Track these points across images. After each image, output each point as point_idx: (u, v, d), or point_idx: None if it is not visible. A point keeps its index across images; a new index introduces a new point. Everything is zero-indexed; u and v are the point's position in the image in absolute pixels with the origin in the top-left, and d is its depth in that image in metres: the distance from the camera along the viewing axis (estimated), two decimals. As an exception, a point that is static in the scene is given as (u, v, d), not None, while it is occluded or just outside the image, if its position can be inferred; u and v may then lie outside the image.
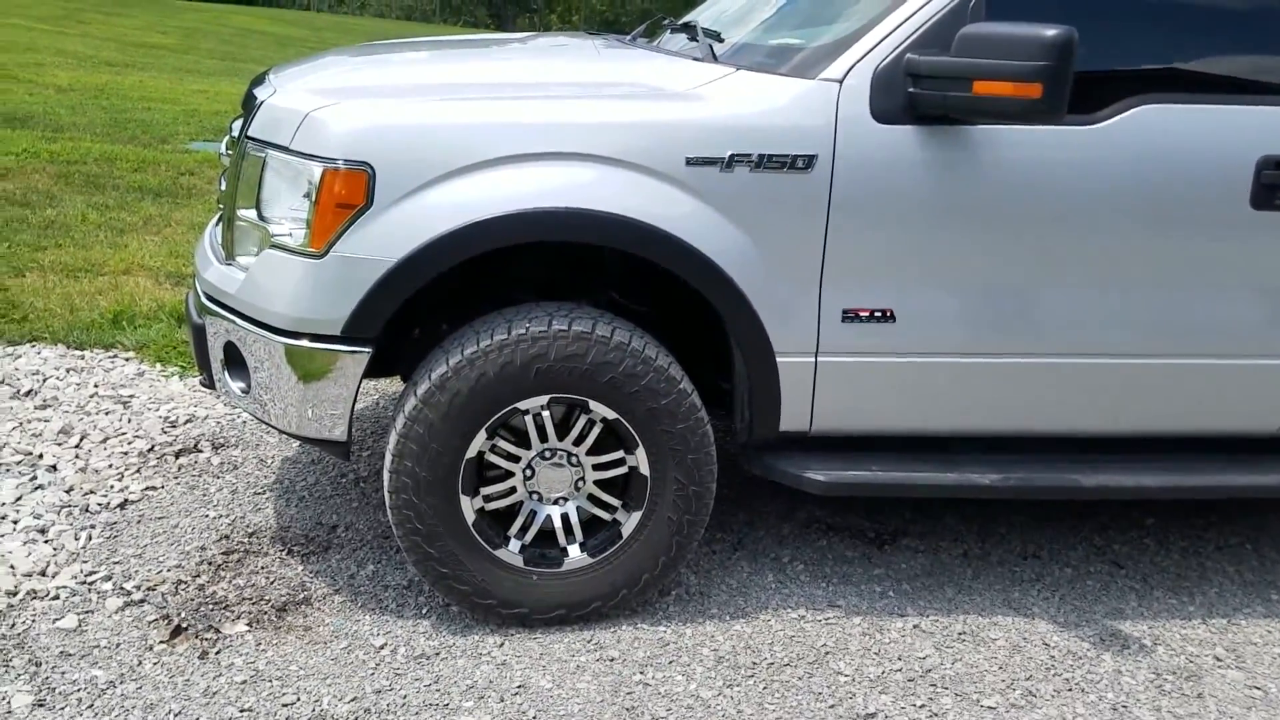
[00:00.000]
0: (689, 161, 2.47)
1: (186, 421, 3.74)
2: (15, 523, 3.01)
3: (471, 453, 2.55)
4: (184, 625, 2.62)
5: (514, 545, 2.67)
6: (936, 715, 2.47)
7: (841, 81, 2.52)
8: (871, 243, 2.57)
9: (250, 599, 2.75)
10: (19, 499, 3.13)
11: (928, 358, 2.67)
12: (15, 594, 2.69)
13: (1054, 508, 3.45)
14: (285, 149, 2.52)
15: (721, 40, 2.93)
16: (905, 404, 2.72)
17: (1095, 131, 2.60)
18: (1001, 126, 2.54)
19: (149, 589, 2.76)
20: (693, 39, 3.07)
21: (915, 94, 2.48)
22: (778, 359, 2.61)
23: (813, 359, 2.63)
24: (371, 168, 2.42)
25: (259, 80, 3.03)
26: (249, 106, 2.84)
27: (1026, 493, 2.79)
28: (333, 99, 2.55)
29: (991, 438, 2.83)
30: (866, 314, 2.61)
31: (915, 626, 2.81)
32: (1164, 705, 2.56)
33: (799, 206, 2.52)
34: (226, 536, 3.03)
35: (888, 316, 2.62)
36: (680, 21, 3.42)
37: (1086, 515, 3.44)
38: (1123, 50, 2.93)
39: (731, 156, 2.48)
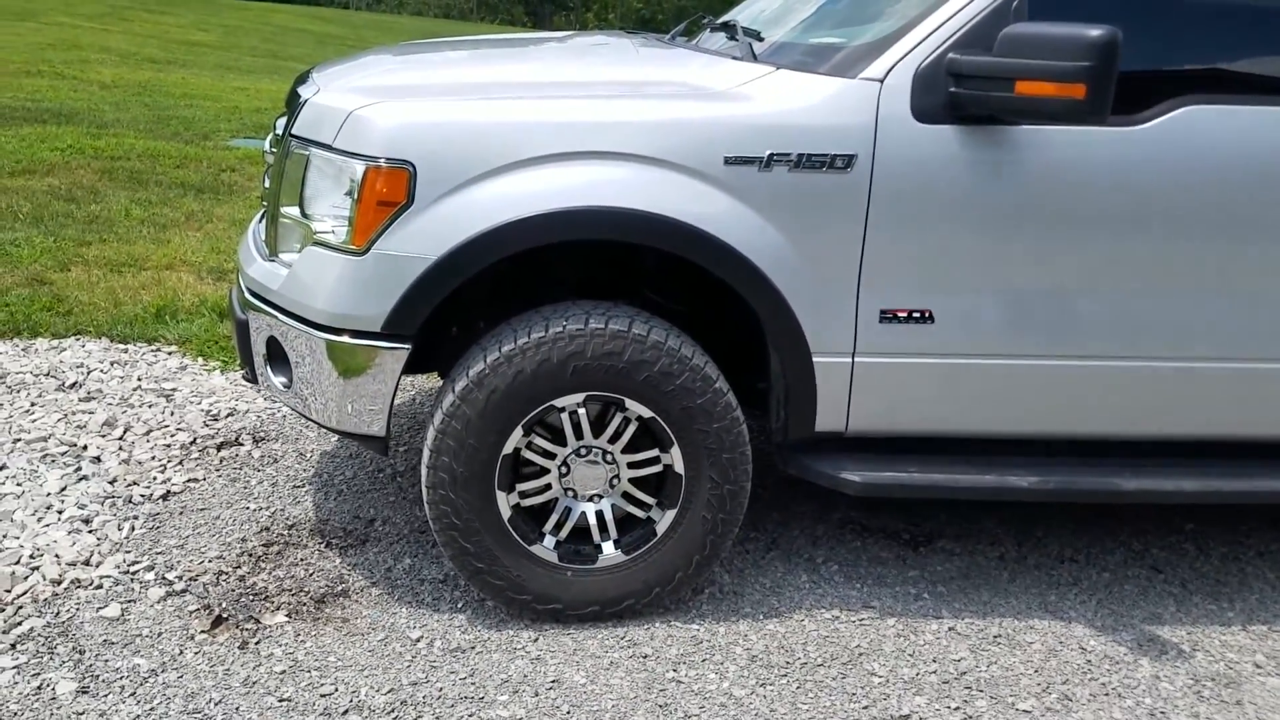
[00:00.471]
0: (727, 161, 2.48)
1: (228, 415, 3.80)
2: (60, 513, 3.06)
3: (508, 449, 2.57)
4: (225, 615, 2.66)
5: (549, 541, 2.69)
6: (971, 718, 2.46)
7: (882, 81, 2.51)
8: (911, 243, 2.56)
9: (290, 590, 2.79)
10: (64, 489, 3.19)
11: (967, 359, 2.66)
12: (60, 583, 2.75)
13: (1092, 511, 3.42)
14: (328, 147, 2.55)
15: (761, 39, 2.93)
16: (943, 405, 2.70)
17: (1139, 133, 2.57)
18: (1044, 127, 2.52)
19: (190, 579, 2.81)
20: (732, 38, 3.08)
21: (957, 94, 2.47)
22: (814, 359, 2.61)
23: (849, 359, 2.62)
24: (413, 166, 2.44)
25: (302, 79, 3.07)
26: (292, 105, 2.88)
27: (1066, 496, 2.77)
28: (375, 98, 2.58)
29: (1029, 440, 2.81)
30: (905, 314, 2.61)
31: (950, 629, 2.80)
32: (1202, 712, 2.53)
33: (838, 206, 2.52)
34: (267, 528, 3.08)
35: (926, 317, 2.61)
36: (719, 20, 3.42)
37: (1125, 519, 3.41)
38: (1167, 50, 2.90)
39: (770, 156, 2.48)
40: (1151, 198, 2.59)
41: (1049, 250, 2.61)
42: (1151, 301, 2.67)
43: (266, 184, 3.01)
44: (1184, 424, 2.81)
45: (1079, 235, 2.60)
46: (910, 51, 2.51)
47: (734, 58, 2.87)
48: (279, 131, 2.95)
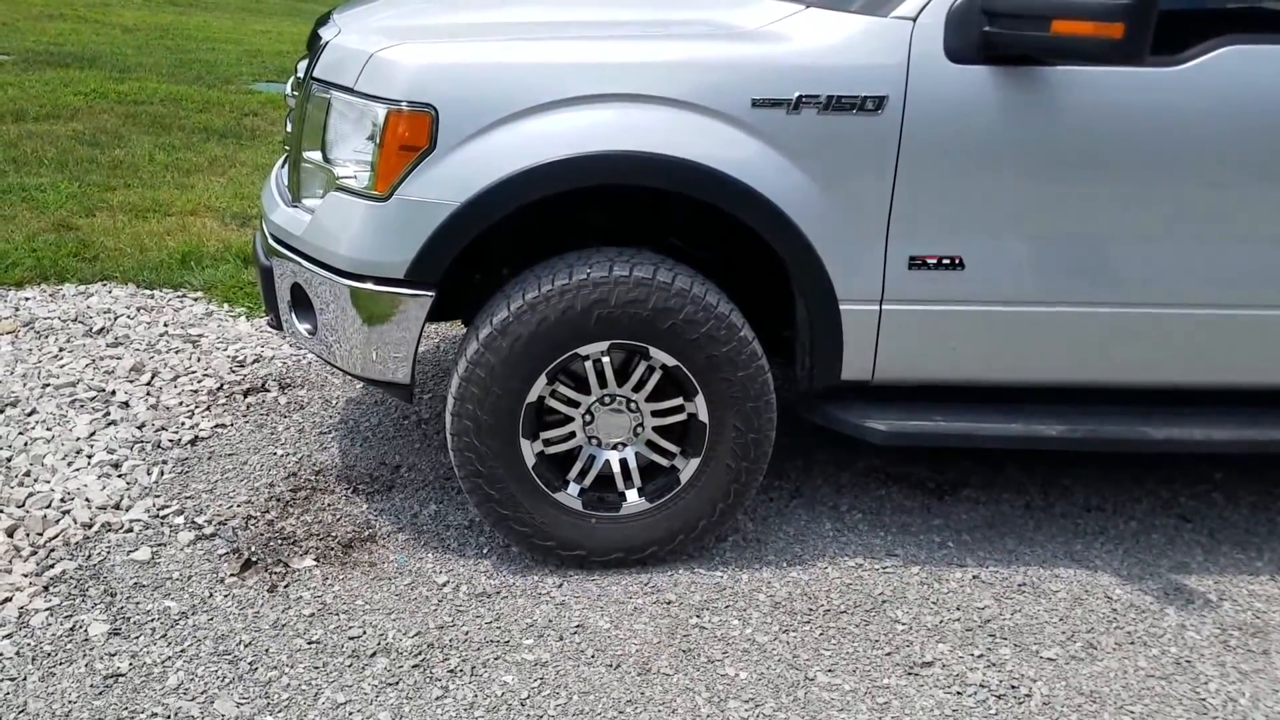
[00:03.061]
0: (755, 103, 2.43)
1: (254, 361, 3.81)
2: (90, 457, 3.10)
3: (532, 397, 2.56)
4: (254, 559, 2.69)
5: (573, 489, 2.69)
6: (995, 665, 2.46)
7: (915, 19, 2.44)
8: (942, 188, 2.51)
9: (317, 535, 2.81)
10: (93, 434, 3.22)
11: (997, 306, 2.62)
12: (91, 526, 2.78)
13: (1120, 460, 3.39)
14: (350, 90, 2.52)
15: (790, -24, 2.85)
16: (972, 353, 2.67)
17: (1178, 74, 2.50)
18: (1080, 68, 2.45)
19: (220, 523, 2.84)
20: (760, -24, 2.99)
21: (991, 33, 2.40)
22: (841, 306, 2.57)
23: (877, 307, 2.59)
24: (435, 110, 2.41)
25: (323, 20, 3.02)
26: (313, 47, 2.84)
27: (1094, 444, 2.74)
28: (397, 39, 2.54)
29: (1057, 388, 2.78)
30: (934, 261, 2.56)
31: (974, 577, 2.79)
32: (1229, 661, 2.53)
33: (867, 149, 2.47)
34: (294, 474, 3.10)
35: (956, 264, 2.57)
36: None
37: (1153, 468, 3.38)
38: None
39: (799, 98, 2.43)
40: (1190, 141, 2.52)
41: (1084, 195, 2.55)
42: (1189, 248, 2.61)
43: (288, 128, 2.98)
44: (1221, 372, 2.77)
45: (1115, 180, 2.54)
46: (944, -11, 2.44)
47: (762, -4, 2.80)
48: (300, 75, 2.91)
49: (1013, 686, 2.39)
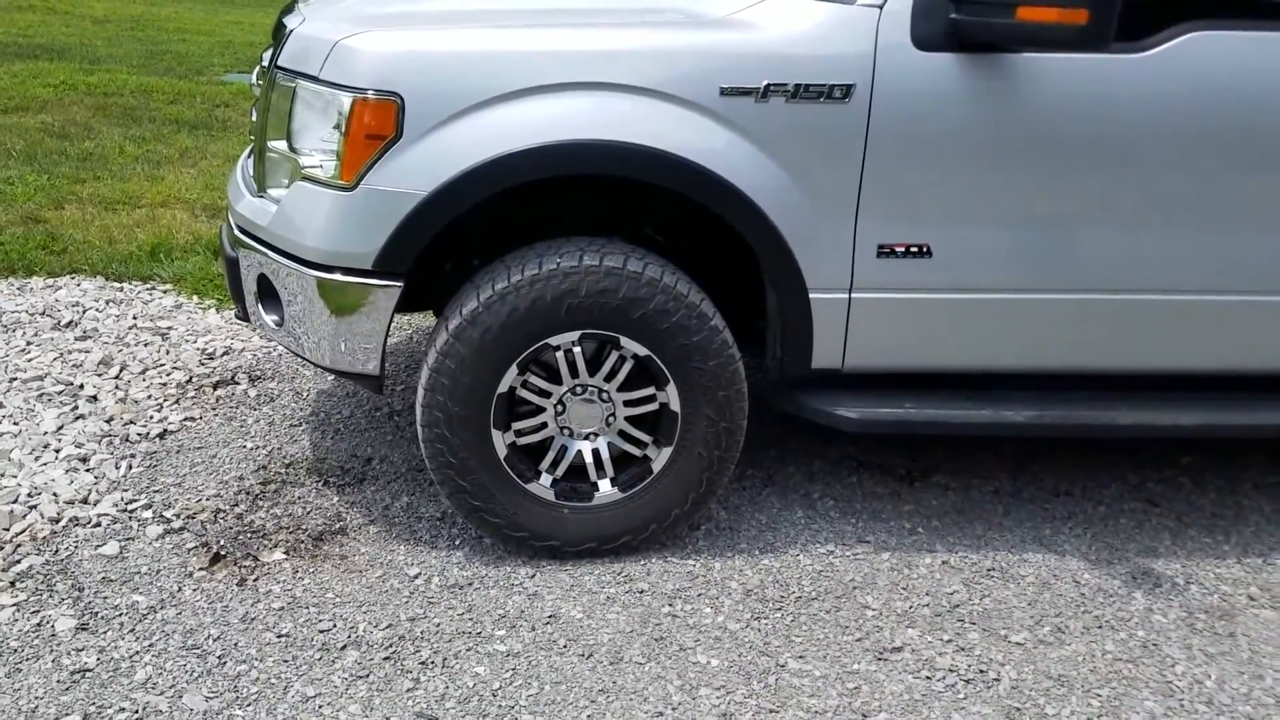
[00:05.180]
0: (723, 91, 2.42)
1: (224, 354, 3.79)
2: (57, 451, 3.07)
3: (503, 388, 2.55)
4: (223, 553, 2.67)
5: (545, 479, 2.68)
6: (963, 649, 2.47)
7: (882, 7, 2.44)
8: (910, 176, 2.52)
9: (287, 528, 2.80)
10: (60, 428, 3.19)
11: (965, 294, 2.63)
12: (58, 521, 2.76)
13: (1089, 446, 3.42)
14: (314, 79, 2.50)
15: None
16: (941, 341, 2.68)
17: (1142, 60, 2.51)
18: (1046, 55, 2.46)
19: (188, 517, 2.82)
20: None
21: (958, 20, 2.40)
22: (811, 295, 2.58)
23: (846, 295, 2.60)
24: (401, 98, 2.39)
25: (289, 9, 3.00)
26: (278, 36, 2.81)
27: (1062, 430, 2.76)
28: (362, 27, 2.52)
29: (1027, 375, 2.79)
30: (903, 249, 2.57)
31: (944, 563, 2.81)
32: (1195, 643, 2.55)
33: (835, 138, 2.47)
34: (264, 467, 3.08)
35: (924, 252, 2.58)
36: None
37: (1122, 454, 3.40)
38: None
39: (767, 86, 2.42)
40: (1155, 127, 2.54)
41: (1050, 183, 2.56)
42: (1154, 234, 2.63)
43: (254, 117, 2.96)
44: (1185, 358, 2.79)
45: (1080, 167, 2.55)
46: (910, -24, 2.44)
47: (731, -16, 2.79)
48: (265, 64, 2.89)
49: (981, 671, 2.41)
